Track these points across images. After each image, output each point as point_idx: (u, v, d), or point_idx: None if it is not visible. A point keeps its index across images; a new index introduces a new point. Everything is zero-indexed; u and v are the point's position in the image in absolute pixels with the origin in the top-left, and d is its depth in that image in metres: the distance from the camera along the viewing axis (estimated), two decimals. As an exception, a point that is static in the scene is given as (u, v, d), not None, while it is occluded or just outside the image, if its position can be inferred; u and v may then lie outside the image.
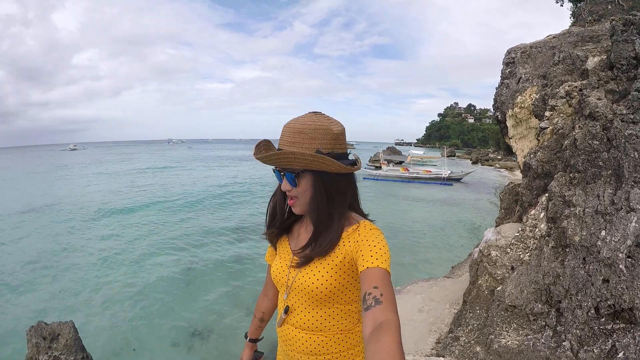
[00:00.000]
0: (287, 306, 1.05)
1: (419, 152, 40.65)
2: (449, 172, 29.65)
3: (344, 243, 0.96)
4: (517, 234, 3.92)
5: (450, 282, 6.51)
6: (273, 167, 0.97)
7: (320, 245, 0.96)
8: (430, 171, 31.25)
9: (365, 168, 32.98)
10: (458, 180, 29.39)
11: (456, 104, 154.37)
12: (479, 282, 4.09)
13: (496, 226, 5.24)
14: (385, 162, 33.80)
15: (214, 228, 13.85)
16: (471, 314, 3.90)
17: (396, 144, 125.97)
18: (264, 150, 0.97)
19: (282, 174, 0.95)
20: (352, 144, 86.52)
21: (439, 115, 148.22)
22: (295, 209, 0.99)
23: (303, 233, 1.07)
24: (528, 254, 3.65)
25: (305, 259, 0.99)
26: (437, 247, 11.77)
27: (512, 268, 3.73)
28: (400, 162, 34.20)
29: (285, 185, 0.95)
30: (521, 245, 3.81)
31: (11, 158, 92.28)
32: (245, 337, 1.35)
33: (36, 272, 9.67)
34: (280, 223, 1.11)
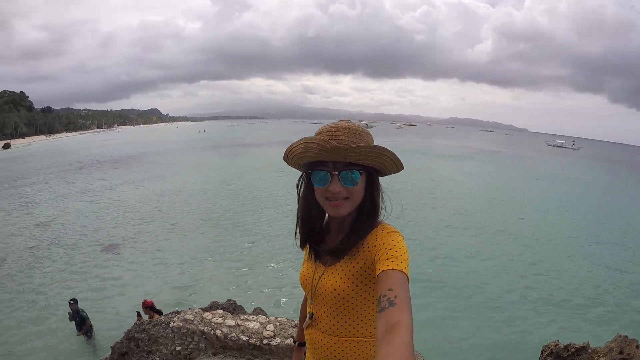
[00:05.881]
0: (312, 312, 1.08)
1: None
2: None
3: (364, 248, 0.98)
4: None
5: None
6: (323, 169, 0.95)
7: (354, 238, 0.99)
8: None
9: None
10: None
11: None
12: None
13: None
14: None
15: None
16: None
17: None
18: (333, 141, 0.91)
19: (334, 173, 0.93)
20: None
21: None
22: (341, 210, 0.96)
23: (331, 238, 1.10)
24: None
25: (336, 253, 1.02)
26: None
27: None
28: None
29: (339, 186, 0.94)
30: None
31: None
32: (294, 342, 1.39)
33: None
34: (317, 233, 1.11)
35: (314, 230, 1.10)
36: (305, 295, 1.31)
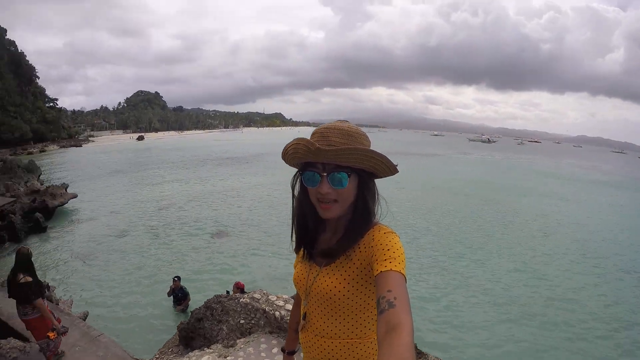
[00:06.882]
0: (305, 312, 1.08)
1: None
2: None
3: (360, 249, 0.97)
4: None
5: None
6: (313, 170, 0.94)
7: (348, 241, 0.99)
8: None
9: None
10: None
11: None
12: None
13: None
14: None
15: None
16: None
17: None
18: (316, 143, 0.91)
19: (323, 175, 0.93)
20: None
21: None
22: (330, 212, 0.96)
23: (326, 239, 1.08)
24: None
25: (329, 255, 1.02)
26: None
27: None
28: None
29: (327, 188, 0.93)
30: None
31: None
32: (283, 350, 1.38)
33: None
34: (311, 234, 1.09)
35: (307, 231, 1.09)
36: (294, 303, 1.34)
